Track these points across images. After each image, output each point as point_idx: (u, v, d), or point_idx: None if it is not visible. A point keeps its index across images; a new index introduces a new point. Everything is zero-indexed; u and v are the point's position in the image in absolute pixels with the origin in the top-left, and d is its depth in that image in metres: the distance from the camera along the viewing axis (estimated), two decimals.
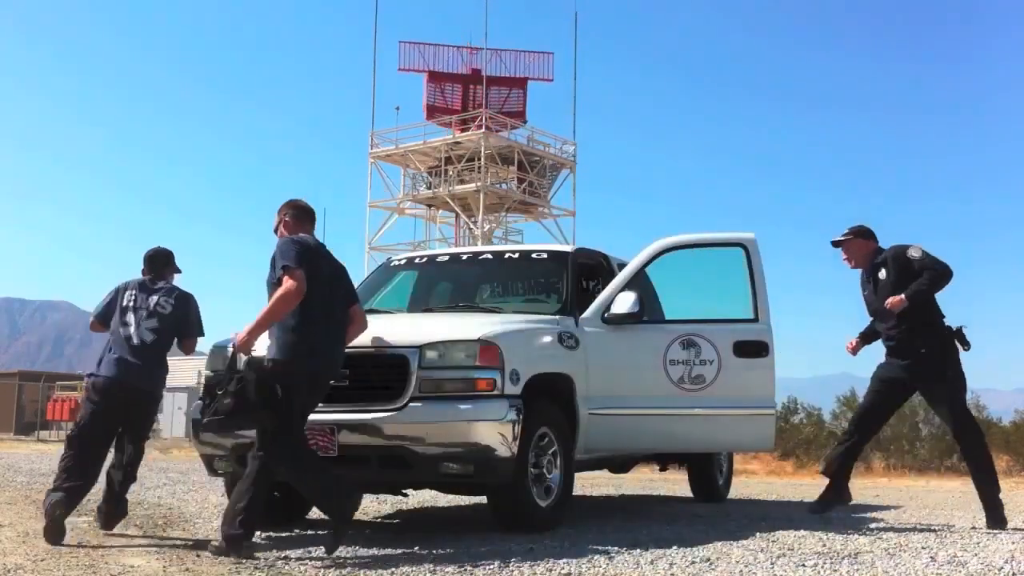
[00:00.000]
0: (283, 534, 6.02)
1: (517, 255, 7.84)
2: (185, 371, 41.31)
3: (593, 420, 6.61)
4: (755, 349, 6.93)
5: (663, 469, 10.42)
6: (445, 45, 40.32)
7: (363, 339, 6.01)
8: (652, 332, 6.97)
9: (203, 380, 6.48)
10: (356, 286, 7.91)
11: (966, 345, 6.70)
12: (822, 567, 4.82)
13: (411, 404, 5.61)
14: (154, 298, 6.50)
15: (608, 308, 6.79)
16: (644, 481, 13.51)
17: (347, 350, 5.84)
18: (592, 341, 6.68)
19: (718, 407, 6.86)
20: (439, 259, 8.23)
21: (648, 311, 7.86)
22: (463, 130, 37.48)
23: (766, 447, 7.18)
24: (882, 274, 6.89)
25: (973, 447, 6.70)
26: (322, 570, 4.68)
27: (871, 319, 7.05)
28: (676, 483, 12.15)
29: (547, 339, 6.38)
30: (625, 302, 6.75)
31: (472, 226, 37.71)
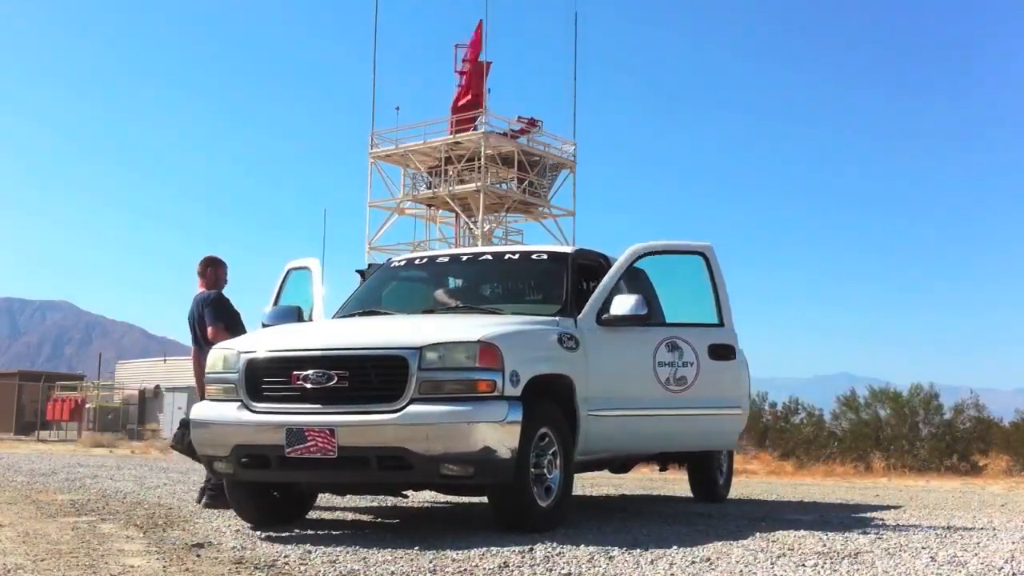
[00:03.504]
0: (283, 534, 6.02)
1: (517, 256, 7.84)
2: (186, 371, 41.31)
3: (592, 421, 6.63)
4: (725, 352, 7.39)
5: (663, 469, 10.43)
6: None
7: (363, 340, 6.01)
8: (643, 334, 7.10)
9: (203, 379, 6.54)
10: (356, 287, 7.96)
11: None
12: (822, 567, 4.82)
13: (411, 405, 5.61)
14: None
15: (607, 310, 6.83)
16: (644, 481, 13.52)
17: (347, 351, 5.86)
18: (592, 342, 6.70)
19: (697, 408, 7.25)
20: (439, 260, 8.23)
21: (653, 314, 7.94)
22: (462, 130, 37.43)
23: (730, 446, 7.79)
24: None
25: None
26: (322, 570, 4.68)
27: None
28: (676, 483, 12.16)
29: (547, 340, 6.38)
30: (626, 304, 6.77)
31: (472, 226, 37.73)
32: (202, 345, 8.03)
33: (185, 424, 8.01)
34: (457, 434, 5.57)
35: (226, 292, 8.48)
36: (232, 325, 8.06)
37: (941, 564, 4.97)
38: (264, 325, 7.32)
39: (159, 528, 6.29)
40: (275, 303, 8.26)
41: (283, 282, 8.60)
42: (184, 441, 7.94)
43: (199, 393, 7.75)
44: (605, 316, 6.80)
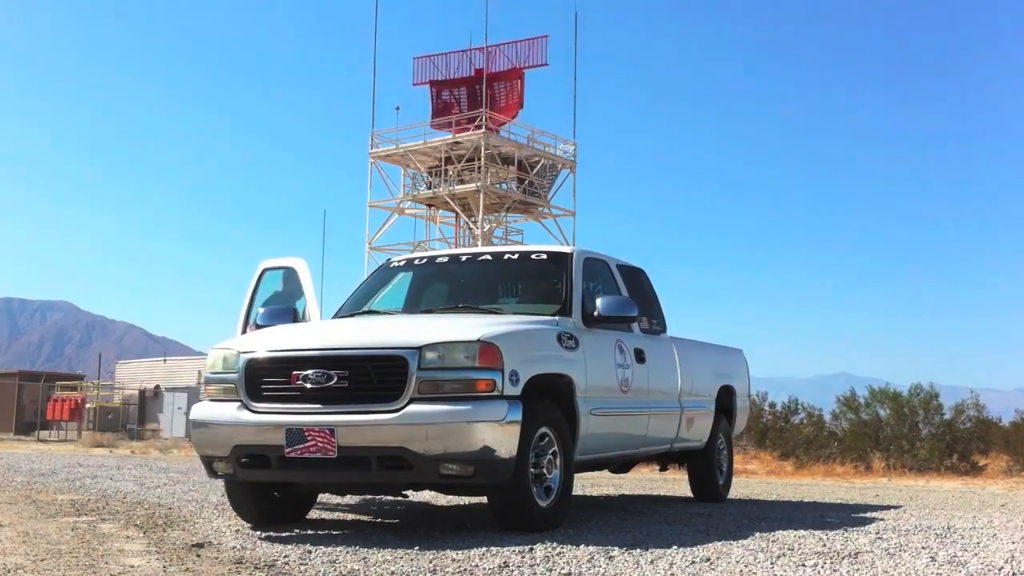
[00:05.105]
0: (283, 534, 6.02)
1: (516, 256, 7.84)
2: (186, 371, 41.35)
3: (593, 420, 6.64)
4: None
5: (663, 469, 10.43)
6: (451, 52, 40.02)
7: (363, 340, 6.01)
8: (610, 335, 7.20)
9: (203, 380, 6.54)
10: (356, 287, 7.96)
11: None
12: (822, 567, 4.82)
13: (410, 405, 5.61)
14: None
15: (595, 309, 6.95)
16: (644, 481, 13.52)
17: (347, 351, 5.86)
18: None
19: (638, 409, 7.55)
20: (438, 260, 8.24)
21: (650, 313, 7.96)
22: (464, 130, 37.45)
23: None
24: None
25: None
26: (322, 570, 4.68)
27: None
28: (676, 483, 12.16)
29: (546, 340, 6.39)
30: (612, 304, 6.92)
31: (472, 226, 37.72)
32: None
33: None
34: (456, 434, 5.57)
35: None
36: None
37: (941, 564, 4.97)
38: (258, 326, 7.31)
39: (159, 528, 6.29)
40: (249, 304, 8.14)
41: (257, 282, 8.40)
42: None
43: None
44: (596, 314, 6.93)
